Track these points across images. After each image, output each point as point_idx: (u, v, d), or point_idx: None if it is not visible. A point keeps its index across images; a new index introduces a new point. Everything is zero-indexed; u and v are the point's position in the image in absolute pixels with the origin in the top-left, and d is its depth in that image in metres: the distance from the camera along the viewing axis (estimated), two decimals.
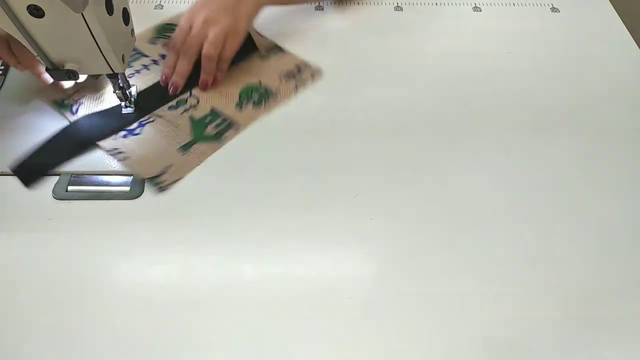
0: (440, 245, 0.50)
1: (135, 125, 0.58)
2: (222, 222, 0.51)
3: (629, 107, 0.63)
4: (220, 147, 0.57)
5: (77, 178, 0.54)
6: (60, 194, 0.52)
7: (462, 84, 0.65)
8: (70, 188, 0.53)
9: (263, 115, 0.60)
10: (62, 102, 0.60)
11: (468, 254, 0.50)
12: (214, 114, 0.60)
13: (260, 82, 0.64)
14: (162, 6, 0.75)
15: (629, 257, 0.50)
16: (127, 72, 0.62)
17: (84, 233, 0.50)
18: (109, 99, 0.60)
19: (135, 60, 0.65)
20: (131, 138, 0.57)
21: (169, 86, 0.62)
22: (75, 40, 0.46)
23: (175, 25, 0.66)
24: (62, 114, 0.59)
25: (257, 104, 0.62)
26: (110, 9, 0.46)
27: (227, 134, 0.58)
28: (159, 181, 0.54)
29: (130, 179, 0.54)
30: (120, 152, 0.56)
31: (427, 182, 0.55)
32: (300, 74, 0.65)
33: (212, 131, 0.58)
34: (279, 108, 0.61)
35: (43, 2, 0.42)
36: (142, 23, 0.69)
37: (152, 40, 0.68)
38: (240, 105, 0.61)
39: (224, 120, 0.60)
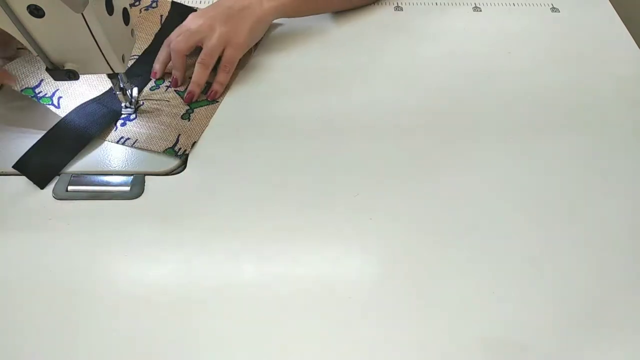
0: (441, 245, 0.50)
1: (129, 111, 0.59)
2: (222, 221, 0.51)
3: (629, 107, 0.63)
4: (218, 106, 0.61)
5: (77, 178, 0.54)
6: (60, 194, 0.52)
7: (462, 84, 0.65)
8: (70, 188, 0.53)
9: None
10: (35, 92, 0.60)
11: (468, 253, 0.50)
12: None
13: None
14: None
15: (629, 257, 0.50)
16: None
17: (84, 233, 0.50)
18: (82, 90, 0.61)
19: None
20: (130, 124, 0.58)
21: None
22: (75, 40, 0.46)
23: None
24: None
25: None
26: (110, 9, 0.46)
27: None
28: (177, 149, 0.56)
29: (130, 178, 0.54)
30: (127, 139, 0.57)
31: (427, 182, 0.55)
32: None
33: (202, 96, 0.61)
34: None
35: (43, 2, 0.42)
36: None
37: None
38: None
39: (208, 85, 0.62)
